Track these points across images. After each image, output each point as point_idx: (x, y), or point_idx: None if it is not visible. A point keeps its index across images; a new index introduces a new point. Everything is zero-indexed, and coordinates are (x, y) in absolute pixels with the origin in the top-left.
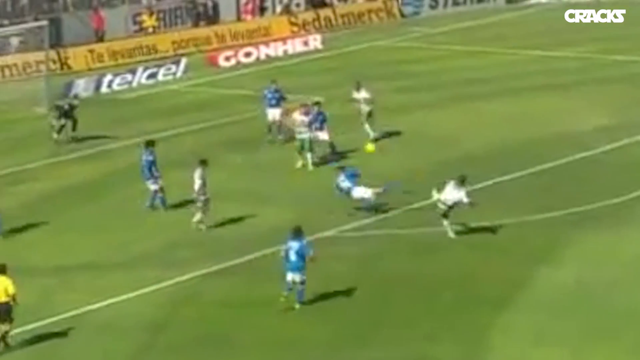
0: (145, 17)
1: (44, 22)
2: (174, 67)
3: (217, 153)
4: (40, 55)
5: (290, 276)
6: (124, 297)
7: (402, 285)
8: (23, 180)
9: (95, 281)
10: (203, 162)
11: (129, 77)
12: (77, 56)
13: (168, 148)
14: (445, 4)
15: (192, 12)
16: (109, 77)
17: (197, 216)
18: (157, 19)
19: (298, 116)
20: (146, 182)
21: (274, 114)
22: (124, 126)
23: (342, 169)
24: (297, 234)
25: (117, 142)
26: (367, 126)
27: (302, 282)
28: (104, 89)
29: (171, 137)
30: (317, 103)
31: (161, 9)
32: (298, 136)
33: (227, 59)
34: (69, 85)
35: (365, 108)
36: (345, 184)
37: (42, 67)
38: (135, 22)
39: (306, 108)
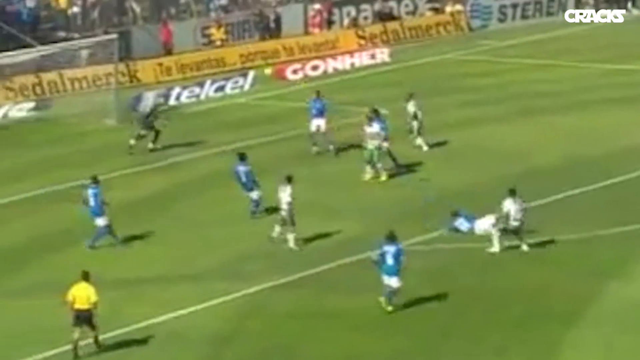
0: (213, 30)
1: (114, 36)
2: (241, 80)
3: (284, 166)
4: (109, 68)
5: (387, 280)
6: (191, 309)
7: (470, 299)
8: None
9: (162, 293)
10: (290, 179)
11: (197, 90)
12: (145, 69)
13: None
14: (514, 17)
15: (260, 25)
16: (177, 90)
17: (291, 237)
18: (226, 32)
19: (367, 128)
20: (249, 193)
21: (317, 124)
22: (192, 139)
23: (457, 213)
24: (392, 238)
25: (186, 154)
26: (416, 138)
27: (398, 288)
28: (172, 101)
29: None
30: (374, 111)
31: (229, 22)
32: (366, 147)
33: (295, 72)
34: (138, 98)
35: (412, 119)
36: (465, 225)
37: (112, 79)
38: (203, 35)
39: (369, 118)
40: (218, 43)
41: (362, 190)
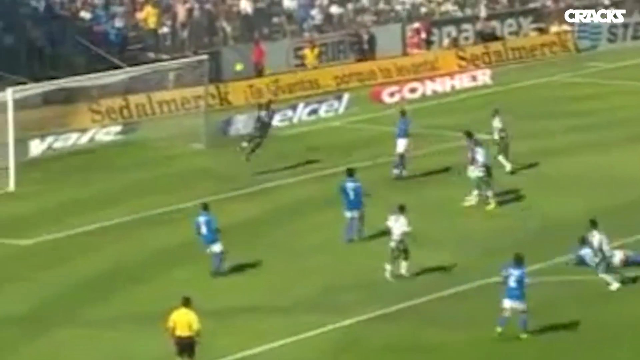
0: (307, 50)
1: (204, 57)
2: (336, 103)
3: (381, 192)
4: (198, 90)
5: (508, 303)
6: (284, 341)
7: (576, 333)
8: (182, 217)
9: (255, 324)
10: (402, 208)
11: (289, 112)
12: (236, 91)
13: (328, 186)
14: (624, 38)
15: (355, 46)
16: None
17: (390, 266)
18: (319, 53)
19: (469, 154)
20: (351, 212)
21: (399, 144)
22: (285, 163)
23: (584, 241)
24: (519, 261)
25: (278, 179)
26: (498, 155)
27: (524, 311)
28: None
29: (332, 176)
30: (468, 135)
31: (323, 43)
32: (471, 174)
33: (392, 94)
34: (228, 122)
35: (496, 137)
36: (592, 259)
37: (201, 102)
38: (296, 56)
39: (475, 143)
40: (311, 64)
41: (462, 219)
